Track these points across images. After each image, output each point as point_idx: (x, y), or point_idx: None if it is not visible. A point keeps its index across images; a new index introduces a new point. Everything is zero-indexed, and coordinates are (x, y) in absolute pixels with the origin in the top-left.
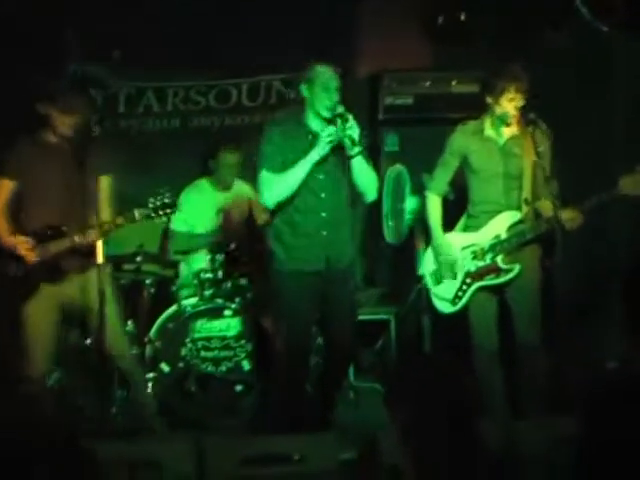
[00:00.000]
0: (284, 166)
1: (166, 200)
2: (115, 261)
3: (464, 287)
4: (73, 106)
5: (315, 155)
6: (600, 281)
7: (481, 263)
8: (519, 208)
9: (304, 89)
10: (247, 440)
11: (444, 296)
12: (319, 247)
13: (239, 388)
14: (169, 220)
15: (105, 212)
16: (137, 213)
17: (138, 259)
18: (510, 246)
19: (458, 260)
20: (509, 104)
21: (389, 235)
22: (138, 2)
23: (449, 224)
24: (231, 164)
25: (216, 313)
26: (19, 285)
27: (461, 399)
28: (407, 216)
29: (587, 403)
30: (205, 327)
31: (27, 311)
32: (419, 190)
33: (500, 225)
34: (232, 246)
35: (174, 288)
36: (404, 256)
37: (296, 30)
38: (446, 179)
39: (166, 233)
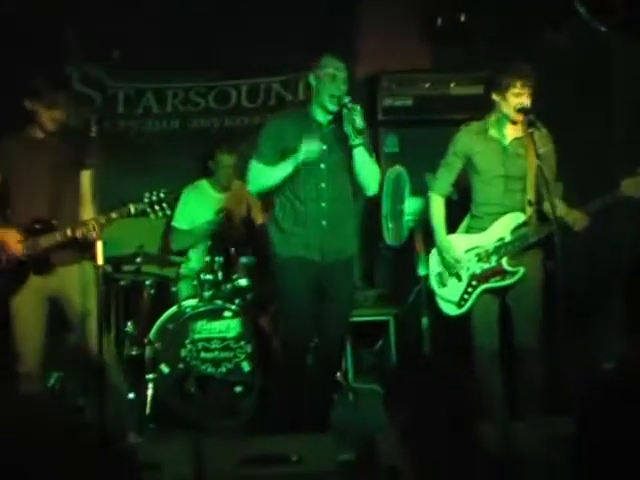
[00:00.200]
0: (283, 154)
1: (162, 195)
2: (115, 262)
3: (469, 289)
4: (58, 101)
5: (292, 162)
6: (600, 282)
7: (486, 265)
8: (523, 210)
9: (312, 79)
10: (246, 441)
11: (449, 298)
12: (317, 236)
13: (239, 389)
14: (165, 216)
15: (87, 207)
16: (132, 207)
17: (138, 260)
18: (515, 248)
19: (462, 261)
20: (515, 99)
21: (388, 236)
22: (138, 3)
23: (451, 224)
24: (228, 165)
25: (216, 314)
26: (8, 278)
27: (460, 400)
28: (406, 217)
29: (584, 403)
30: (205, 328)
31: (15, 305)
32: (419, 191)
33: (504, 227)
34: (232, 247)
35: (174, 289)
36: (403, 257)
37: (295, 31)
38: (450, 180)
39: (168, 231)
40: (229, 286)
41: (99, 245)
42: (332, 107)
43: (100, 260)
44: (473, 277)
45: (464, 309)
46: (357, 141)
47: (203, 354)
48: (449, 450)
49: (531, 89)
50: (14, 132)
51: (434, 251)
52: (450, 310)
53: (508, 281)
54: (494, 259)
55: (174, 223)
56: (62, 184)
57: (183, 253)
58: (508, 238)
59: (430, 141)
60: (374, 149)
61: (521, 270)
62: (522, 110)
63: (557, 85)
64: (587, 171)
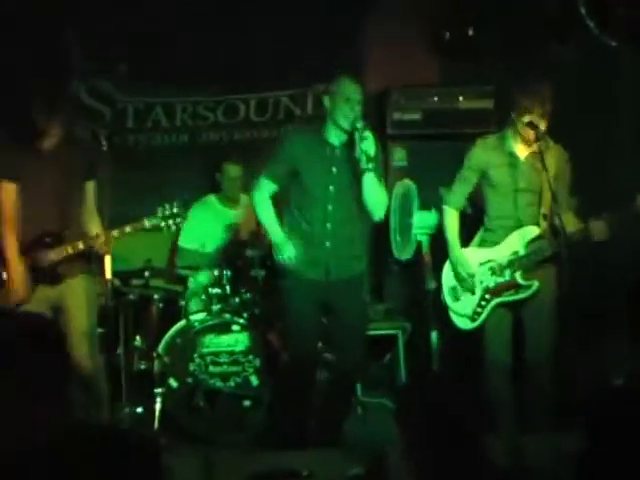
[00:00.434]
0: (290, 173)
1: (175, 210)
2: (123, 276)
3: (483, 303)
4: (65, 114)
5: (274, 239)
6: (611, 296)
7: (500, 279)
8: (537, 224)
9: (326, 100)
10: (256, 456)
11: (463, 312)
12: (321, 257)
13: (247, 403)
14: (177, 232)
15: (93, 218)
16: (147, 221)
17: (146, 274)
18: (529, 262)
19: (476, 275)
20: (532, 122)
21: (397, 250)
22: (146, 17)
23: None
24: (234, 177)
25: (224, 328)
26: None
27: (468, 416)
28: (415, 231)
29: (593, 419)
30: (213, 342)
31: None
32: (428, 205)
33: (519, 241)
34: (240, 261)
35: (182, 303)
36: (412, 271)
37: (304, 46)
38: (465, 193)
39: (174, 249)
40: (237, 300)
41: (107, 259)
42: (347, 126)
43: (108, 274)
44: (486, 291)
45: (477, 323)
46: (367, 166)
47: (211, 368)
48: (456, 465)
49: (548, 116)
50: (23, 143)
51: (447, 265)
52: (463, 324)
53: (521, 295)
54: (508, 273)
55: (181, 243)
56: (71, 196)
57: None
58: (522, 252)
59: (438, 155)
60: (383, 163)
61: (535, 284)
62: (530, 125)
63: (563, 98)
64: (594, 185)
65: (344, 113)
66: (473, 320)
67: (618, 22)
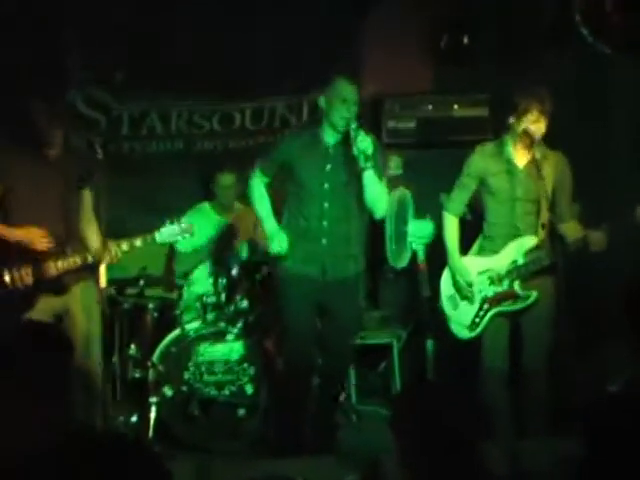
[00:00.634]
0: (282, 170)
1: (183, 225)
2: (118, 285)
3: (481, 312)
4: (65, 122)
5: (267, 228)
6: (608, 303)
7: (498, 289)
8: (536, 232)
9: (322, 100)
10: (250, 464)
11: (462, 321)
12: (317, 254)
13: (242, 412)
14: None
15: (89, 226)
16: (157, 235)
17: (141, 283)
18: (527, 272)
19: (474, 284)
20: (532, 125)
21: (392, 258)
22: (142, 25)
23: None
24: (227, 185)
25: (219, 337)
26: (20, 297)
27: (463, 425)
28: (410, 239)
29: (590, 425)
30: (208, 351)
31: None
32: (423, 213)
33: (517, 250)
34: (234, 270)
35: (177, 312)
36: (407, 279)
37: (299, 55)
38: (464, 200)
39: (171, 256)
40: (232, 308)
41: (102, 267)
42: (341, 127)
43: (103, 283)
44: (485, 300)
45: (476, 332)
46: (365, 165)
47: (206, 377)
48: (451, 472)
49: (548, 116)
50: (25, 149)
51: (446, 273)
52: (462, 334)
53: (520, 305)
54: (506, 282)
55: (178, 247)
56: (71, 205)
57: (187, 275)
58: (521, 261)
59: (434, 163)
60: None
61: (533, 295)
62: (525, 132)
63: (558, 106)
64: (591, 193)
65: (340, 114)
66: (472, 330)
67: (613, 30)
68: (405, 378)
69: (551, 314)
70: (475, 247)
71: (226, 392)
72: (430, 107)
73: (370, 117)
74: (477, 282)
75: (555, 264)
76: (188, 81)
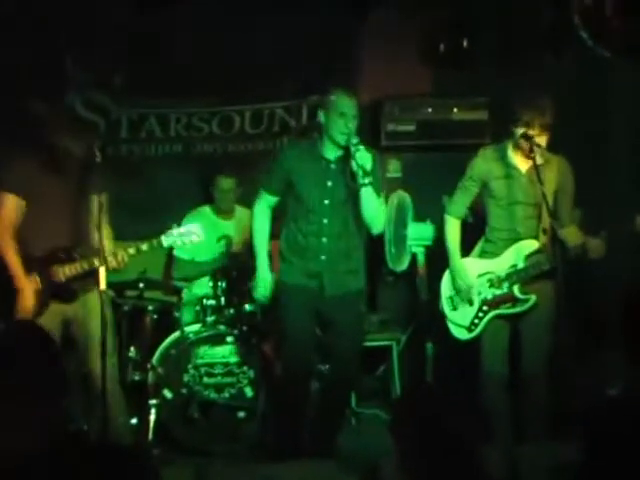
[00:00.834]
0: (288, 186)
1: (192, 229)
2: (117, 287)
3: (480, 314)
4: (82, 129)
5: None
6: (607, 309)
7: (498, 291)
8: (537, 237)
9: (321, 115)
10: (250, 467)
11: (460, 323)
12: (317, 271)
13: (242, 414)
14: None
15: (104, 231)
16: (164, 240)
17: (140, 285)
18: (527, 276)
19: (474, 287)
20: (526, 134)
21: (391, 261)
22: (140, 28)
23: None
24: (226, 189)
25: (219, 339)
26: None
27: (462, 427)
28: (409, 242)
29: (589, 430)
30: (208, 353)
31: None
32: (422, 216)
33: (517, 254)
34: (234, 273)
35: (177, 314)
36: (406, 282)
37: (298, 58)
38: (466, 203)
39: (170, 260)
40: (232, 311)
41: (102, 270)
42: (341, 142)
43: (103, 285)
44: (484, 302)
45: (474, 334)
46: (364, 181)
47: (206, 379)
48: (451, 476)
49: (549, 128)
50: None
51: (447, 274)
52: (460, 334)
53: (518, 309)
54: (506, 286)
55: (176, 253)
56: (80, 209)
57: (187, 279)
58: (521, 265)
59: (433, 166)
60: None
61: (532, 298)
62: (525, 137)
63: (557, 110)
64: (586, 199)
65: (339, 128)
66: (470, 331)
67: (613, 34)
68: (404, 381)
69: (550, 318)
70: (476, 250)
71: (226, 395)
72: (429, 110)
73: (369, 120)
74: (477, 284)
75: (555, 269)
76: (187, 84)
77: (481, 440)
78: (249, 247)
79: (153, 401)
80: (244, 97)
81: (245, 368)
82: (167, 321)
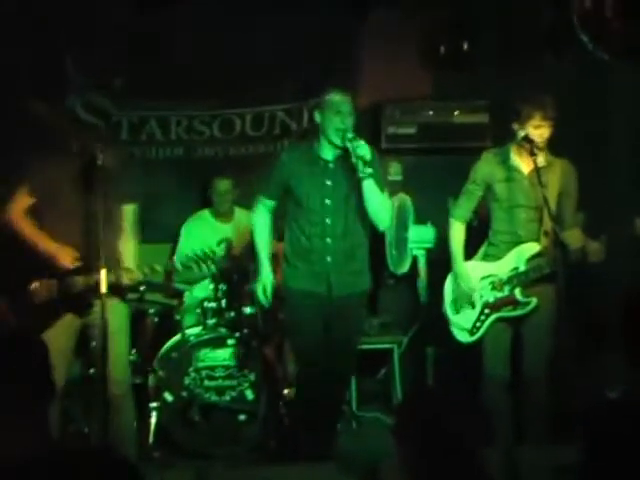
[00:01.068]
0: (286, 191)
1: (208, 252)
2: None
3: (482, 317)
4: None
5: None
6: (607, 312)
7: (499, 294)
8: (538, 240)
9: (317, 115)
10: (250, 470)
11: (463, 325)
12: (323, 273)
13: (242, 417)
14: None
15: (129, 242)
16: (179, 264)
17: (141, 288)
18: (528, 279)
19: (476, 291)
20: (535, 131)
21: (392, 264)
22: (141, 32)
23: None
24: (224, 191)
25: (220, 342)
26: (45, 312)
27: (464, 430)
28: (410, 245)
29: (589, 431)
30: (209, 356)
31: (47, 337)
32: (423, 219)
33: (519, 257)
34: (235, 275)
35: (178, 317)
36: (407, 285)
37: (299, 62)
38: (470, 207)
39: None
40: (233, 314)
41: (102, 273)
42: (338, 141)
43: (104, 288)
44: (486, 305)
45: (476, 337)
46: (365, 173)
47: (207, 382)
48: (452, 479)
49: (551, 122)
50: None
51: (450, 277)
52: (463, 337)
53: (520, 312)
54: (507, 288)
55: (177, 257)
56: (105, 220)
57: (188, 282)
58: (522, 268)
59: (434, 169)
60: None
61: (533, 301)
62: (526, 139)
63: (557, 112)
64: (586, 202)
65: (335, 126)
66: (472, 334)
67: (613, 37)
68: (405, 384)
69: (551, 321)
70: (480, 253)
71: (226, 398)
72: (430, 113)
73: (370, 123)
74: (479, 287)
75: (556, 272)
76: (188, 86)
77: (482, 442)
78: (249, 249)
79: (154, 404)
80: (245, 99)
81: (246, 371)
82: (168, 324)
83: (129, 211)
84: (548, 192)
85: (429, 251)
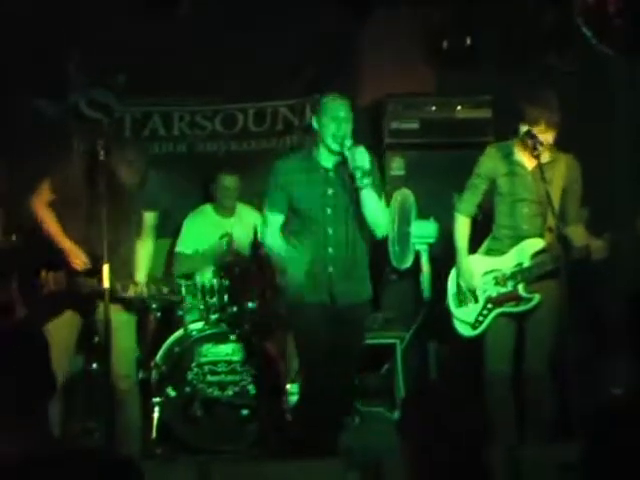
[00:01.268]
0: (290, 203)
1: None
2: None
3: (485, 312)
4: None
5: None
6: (610, 310)
7: (503, 290)
8: (542, 235)
9: (314, 121)
10: (252, 465)
11: (465, 319)
12: (325, 283)
13: (245, 412)
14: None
15: (146, 247)
16: (184, 289)
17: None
18: (531, 275)
19: (480, 284)
20: (540, 135)
21: (395, 259)
22: (143, 27)
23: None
24: (229, 187)
25: (222, 337)
26: (49, 303)
27: (467, 427)
28: (413, 240)
29: (592, 429)
30: (211, 351)
31: (49, 331)
32: (426, 214)
33: (523, 252)
34: (237, 271)
35: (180, 312)
36: (410, 281)
37: (301, 57)
38: (475, 201)
39: (171, 257)
40: (235, 309)
41: (105, 268)
42: (336, 147)
43: (106, 283)
44: (489, 300)
45: (478, 331)
46: (363, 182)
47: (209, 377)
48: (455, 475)
49: (556, 127)
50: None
51: (454, 271)
52: (465, 331)
53: (522, 307)
54: (510, 284)
55: (177, 248)
56: (122, 224)
57: (189, 277)
58: (526, 264)
59: (436, 164)
60: (381, 172)
61: (536, 298)
62: (529, 134)
63: (561, 109)
64: (589, 199)
65: (332, 132)
66: (474, 328)
67: (615, 32)
68: (408, 380)
69: (554, 318)
70: (483, 247)
71: (229, 393)
72: (433, 108)
73: (373, 118)
74: (483, 282)
75: (559, 269)
76: (190, 82)
77: (484, 438)
78: (253, 246)
79: (156, 399)
80: (247, 95)
81: (248, 366)
82: (170, 319)
83: (149, 217)
84: (552, 188)
85: (432, 246)
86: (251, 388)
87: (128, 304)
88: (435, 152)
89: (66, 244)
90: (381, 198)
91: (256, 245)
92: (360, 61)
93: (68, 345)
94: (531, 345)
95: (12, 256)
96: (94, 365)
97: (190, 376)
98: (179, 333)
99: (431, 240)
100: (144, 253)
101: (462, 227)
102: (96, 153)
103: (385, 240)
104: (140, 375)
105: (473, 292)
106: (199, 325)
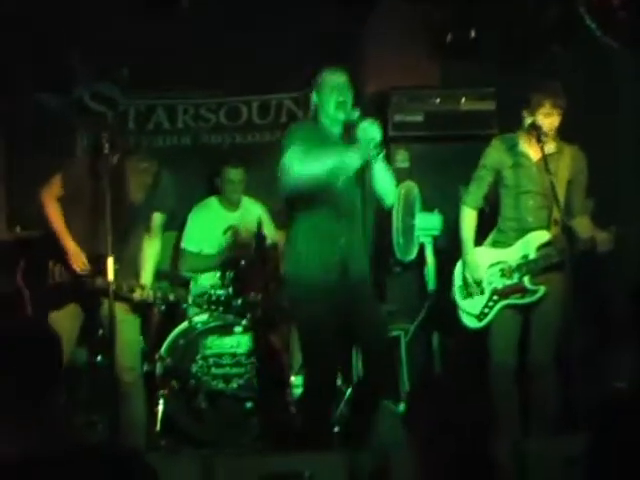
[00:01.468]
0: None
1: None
2: None
3: (490, 304)
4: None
5: (351, 159)
6: (616, 302)
7: (508, 281)
8: (548, 227)
9: (314, 96)
10: (257, 458)
11: (471, 311)
12: (336, 256)
13: (249, 405)
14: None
15: (153, 246)
16: (190, 299)
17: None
18: (537, 267)
19: (486, 276)
20: (545, 119)
21: (399, 252)
22: (147, 20)
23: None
24: (235, 180)
25: (227, 330)
26: (54, 293)
27: (472, 419)
28: (417, 232)
29: (597, 421)
30: (216, 344)
31: (52, 320)
32: (431, 206)
33: (529, 244)
34: (242, 263)
35: (184, 305)
36: (414, 273)
37: (305, 49)
38: (481, 193)
39: (177, 252)
40: (240, 301)
41: (110, 261)
42: (340, 115)
43: (110, 276)
44: (495, 292)
45: (484, 323)
46: (375, 154)
47: (214, 370)
48: (461, 467)
49: (561, 110)
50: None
51: (460, 263)
52: (471, 323)
53: (528, 299)
54: (516, 276)
55: (183, 245)
56: (127, 226)
57: (193, 271)
58: (532, 256)
59: (441, 156)
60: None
61: (541, 290)
62: (533, 126)
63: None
64: (595, 191)
65: (334, 100)
66: (480, 320)
67: (620, 25)
68: (413, 373)
69: (559, 310)
70: (489, 239)
71: (234, 385)
72: (437, 101)
73: (377, 110)
74: (489, 274)
75: (564, 261)
76: (190, 82)
77: (490, 431)
78: (257, 236)
79: (161, 392)
80: (251, 88)
81: (253, 358)
82: (175, 312)
83: (158, 217)
84: (557, 179)
85: (436, 238)
86: (256, 381)
87: (133, 304)
88: (439, 144)
89: (69, 244)
90: (389, 167)
91: (260, 238)
92: (365, 53)
93: (70, 337)
94: (536, 337)
95: (16, 248)
96: (98, 357)
97: (195, 368)
98: (184, 325)
99: (435, 232)
100: (151, 252)
101: (468, 219)
102: (100, 146)
103: (389, 232)
104: (145, 367)
105: (479, 284)
106: (204, 317)
